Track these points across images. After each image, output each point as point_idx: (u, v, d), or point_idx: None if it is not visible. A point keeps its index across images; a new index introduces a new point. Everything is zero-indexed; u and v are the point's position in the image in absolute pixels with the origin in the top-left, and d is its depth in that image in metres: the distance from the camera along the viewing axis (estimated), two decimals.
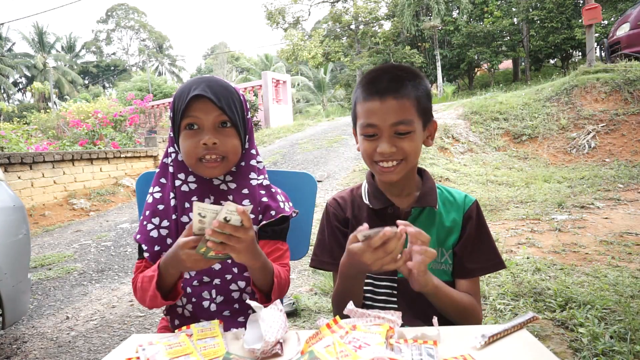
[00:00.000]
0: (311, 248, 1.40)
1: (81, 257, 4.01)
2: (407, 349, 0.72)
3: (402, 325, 0.80)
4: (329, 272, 1.14)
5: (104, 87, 46.69)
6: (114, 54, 51.38)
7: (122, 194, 6.83)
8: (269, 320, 0.80)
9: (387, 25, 21.24)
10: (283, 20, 22.05)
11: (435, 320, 0.81)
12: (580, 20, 13.65)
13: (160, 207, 1.05)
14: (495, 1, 16.78)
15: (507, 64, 19.83)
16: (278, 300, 0.89)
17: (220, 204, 1.02)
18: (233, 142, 1.03)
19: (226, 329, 0.90)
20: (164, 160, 1.10)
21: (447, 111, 8.32)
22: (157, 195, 1.07)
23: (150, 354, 0.76)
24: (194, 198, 1.04)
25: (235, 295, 1.06)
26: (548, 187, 4.93)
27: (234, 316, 1.05)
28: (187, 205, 1.05)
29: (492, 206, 4.29)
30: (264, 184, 1.10)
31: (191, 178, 1.06)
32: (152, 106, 13.38)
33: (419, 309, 1.00)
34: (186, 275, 1.04)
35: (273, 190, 1.11)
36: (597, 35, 12.50)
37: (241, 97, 1.07)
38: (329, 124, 10.96)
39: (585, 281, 2.38)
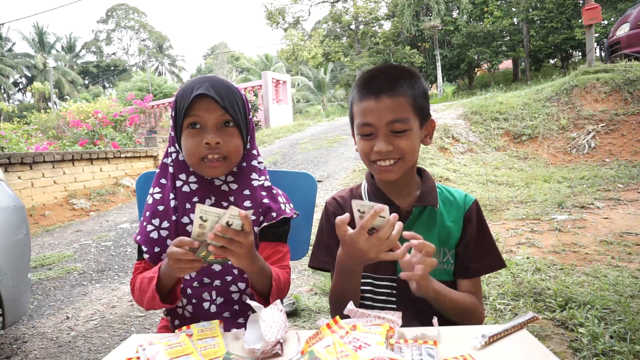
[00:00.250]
0: (311, 248, 1.40)
1: (81, 257, 4.01)
2: (407, 349, 0.72)
3: (402, 326, 0.80)
4: (328, 272, 1.13)
5: (104, 87, 46.70)
6: (114, 54, 51.40)
7: (122, 194, 6.83)
8: (269, 320, 0.80)
9: (387, 25, 21.25)
10: (283, 20, 22.06)
11: (435, 320, 0.81)
12: (580, 20, 13.65)
13: (160, 208, 1.04)
14: (495, 1, 16.78)
15: (507, 64, 19.84)
16: (278, 300, 0.88)
17: (222, 205, 1.03)
18: (235, 142, 1.02)
19: (226, 329, 0.90)
20: (164, 161, 1.09)
21: (447, 111, 8.32)
22: (157, 196, 1.06)
23: (150, 354, 0.76)
24: (195, 199, 1.04)
25: (235, 296, 1.06)
26: (548, 187, 4.93)
27: (234, 317, 1.05)
28: (188, 206, 1.04)
29: (492, 206, 4.29)
30: (265, 185, 1.10)
31: (192, 178, 1.05)
32: (152, 106, 13.38)
33: (418, 309, 1.00)
34: (186, 277, 1.03)
35: (274, 191, 1.11)
36: (597, 35, 12.50)
37: (243, 98, 1.07)
38: (329, 124, 10.96)
39: (585, 281, 2.38)
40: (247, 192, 1.06)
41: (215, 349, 0.79)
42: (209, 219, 0.80)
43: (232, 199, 1.05)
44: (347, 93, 22.61)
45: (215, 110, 0.99)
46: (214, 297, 1.04)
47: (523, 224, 3.67)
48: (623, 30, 7.89)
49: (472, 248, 1.05)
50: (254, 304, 0.83)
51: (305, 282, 2.91)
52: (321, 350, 0.69)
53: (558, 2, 14.60)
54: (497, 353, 0.74)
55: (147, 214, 1.05)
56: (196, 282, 1.04)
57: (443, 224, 1.06)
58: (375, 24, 21.20)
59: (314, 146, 8.09)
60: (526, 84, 12.70)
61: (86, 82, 43.78)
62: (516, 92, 9.03)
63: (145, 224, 1.04)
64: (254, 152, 1.11)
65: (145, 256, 1.03)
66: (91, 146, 8.16)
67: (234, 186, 1.06)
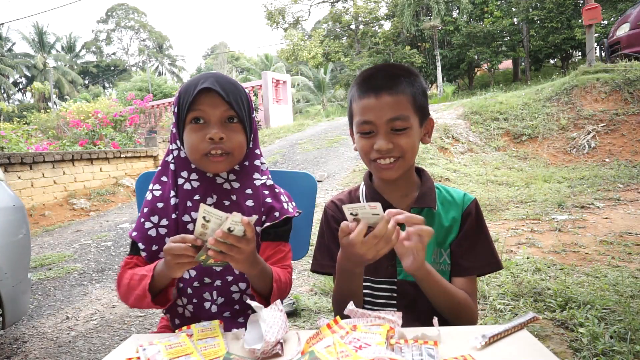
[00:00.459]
0: (311, 248, 1.40)
1: (81, 257, 4.01)
2: (407, 349, 0.72)
3: (402, 326, 0.80)
4: (330, 276, 1.12)
5: (104, 87, 46.70)
6: (114, 54, 51.41)
7: (122, 194, 6.83)
8: (269, 320, 0.80)
9: (387, 25, 21.27)
10: (283, 20, 22.07)
11: (435, 320, 0.81)
12: (580, 20, 13.65)
13: (160, 205, 1.03)
14: (495, 1, 16.79)
15: (507, 64, 19.85)
16: (278, 300, 0.88)
17: (224, 204, 1.03)
18: (239, 138, 1.02)
19: (226, 329, 0.90)
20: (166, 159, 1.07)
21: (447, 111, 8.32)
22: (157, 193, 1.05)
23: (150, 354, 0.76)
24: (197, 196, 1.03)
25: (236, 296, 1.05)
26: (548, 187, 4.93)
27: (235, 317, 1.04)
28: (189, 204, 1.03)
29: (492, 206, 4.29)
30: (268, 183, 1.09)
31: (194, 176, 1.04)
32: (152, 106, 13.37)
33: (418, 311, 1.00)
34: (186, 276, 1.03)
35: (277, 190, 1.10)
36: (597, 35, 12.50)
37: (248, 95, 1.06)
38: (329, 124, 10.96)
39: (585, 281, 2.38)
40: (249, 191, 1.06)
41: (215, 349, 0.79)
42: (211, 220, 0.80)
43: (234, 197, 1.04)
44: (347, 93, 22.59)
45: (219, 105, 0.98)
46: (214, 297, 1.04)
47: (523, 224, 3.67)
48: (623, 30, 7.89)
49: (466, 245, 1.04)
50: (254, 304, 0.83)
51: (305, 282, 2.91)
52: (321, 351, 0.69)
53: (558, 2, 14.61)
54: (497, 353, 0.74)
55: (146, 210, 1.03)
56: (197, 282, 1.03)
57: (441, 226, 1.05)
58: (375, 24, 21.22)
59: (314, 146, 8.09)
60: (526, 84, 12.71)
61: (86, 82, 43.79)
62: (516, 92, 9.03)
63: (143, 220, 1.03)
64: (257, 151, 1.10)
65: (143, 254, 1.01)
66: (91, 146, 8.16)
67: (236, 185, 1.05)
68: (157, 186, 1.06)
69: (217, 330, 0.85)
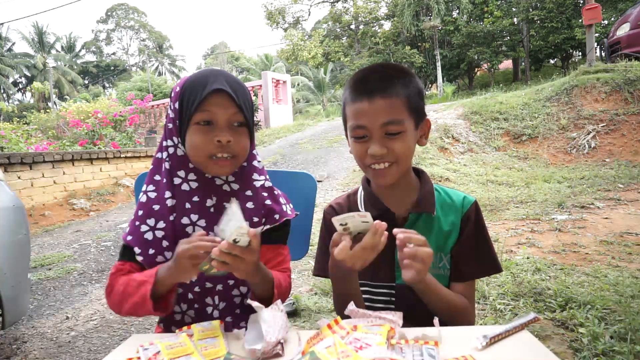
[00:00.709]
0: (311, 248, 1.40)
1: (81, 257, 4.01)
2: (408, 350, 0.72)
3: (402, 327, 0.80)
4: None
5: (104, 87, 46.70)
6: (114, 54, 51.40)
7: (122, 194, 6.83)
8: (269, 320, 0.80)
9: (387, 25, 21.27)
10: (283, 20, 22.08)
11: (436, 320, 0.81)
12: (580, 20, 13.65)
13: (156, 207, 0.99)
14: (495, 1, 16.80)
15: (507, 64, 19.86)
16: (279, 301, 0.88)
17: (223, 207, 1.01)
18: (245, 141, 1.00)
19: (227, 331, 0.89)
20: (157, 156, 1.03)
21: (447, 111, 8.32)
22: (152, 195, 1.00)
23: (150, 354, 0.76)
24: (196, 198, 1.00)
25: (237, 300, 1.05)
26: (548, 187, 4.93)
27: (236, 322, 1.03)
28: (188, 206, 1.00)
29: (492, 206, 4.29)
30: (266, 185, 1.08)
31: (192, 176, 1.01)
32: (152, 106, 13.39)
33: (418, 316, 0.98)
34: (187, 282, 1.00)
35: (275, 192, 1.09)
36: (597, 35, 12.50)
37: (251, 96, 1.05)
38: (329, 124, 10.95)
39: (586, 281, 2.38)
40: (249, 192, 1.04)
41: (216, 349, 0.78)
42: (232, 219, 0.79)
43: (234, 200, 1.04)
44: None
45: (229, 108, 0.96)
46: (216, 302, 1.02)
47: (523, 224, 3.67)
48: (623, 30, 7.89)
49: (467, 251, 1.03)
50: (254, 304, 0.82)
51: (305, 282, 2.91)
52: (322, 351, 0.69)
53: (558, 2, 14.61)
54: (498, 354, 0.74)
55: (141, 213, 0.99)
56: (197, 287, 1.01)
57: (440, 230, 1.04)
58: (375, 24, 21.23)
59: (314, 146, 8.09)
60: (526, 84, 12.71)
61: (86, 82, 43.79)
62: (516, 92, 9.03)
63: (138, 223, 0.98)
64: (254, 151, 1.09)
65: (139, 258, 0.97)
66: (91, 146, 8.16)
67: (235, 186, 1.04)
68: (151, 187, 1.01)
69: (218, 330, 0.85)
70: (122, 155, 7.27)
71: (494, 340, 0.77)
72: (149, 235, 0.97)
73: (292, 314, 2.40)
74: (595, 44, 10.35)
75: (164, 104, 13.57)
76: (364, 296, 1.04)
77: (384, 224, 0.80)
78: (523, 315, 0.98)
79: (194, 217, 1.00)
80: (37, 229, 5.30)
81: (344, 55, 20.32)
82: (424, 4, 17.02)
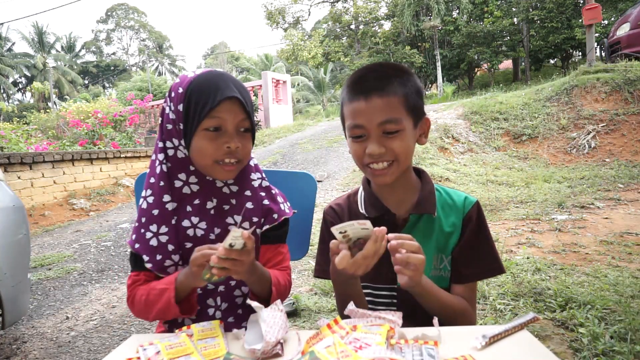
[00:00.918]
0: (311, 248, 1.40)
1: (81, 257, 4.01)
2: (407, 350, 0.72)
3: (402, 326, 0.80)
4: None
5: (104, 87, 46.70)
6: (113, 54, 51.40)
7: (122, 194, 6.83)
8: (269, 320, 0.80)
9: (387, 25, 21.27)
10: (283, 20, 22.08)
11: (435, 320, 0.81)
12: (580, 20, 13.66)
13: (155, 212, 0.98)
14: (495, 1, 16.80)
15: (507, 64, 19.86)
16: (278, 300, 0.88)
17: (223, 208, 1.03)
18: (249, 145, 1.02)
19: (228, 331, 0.89)
20: (153, 158, 1.02)
21: (447, 111, 8.32)
22: (151, 200, 0.99)
23: (150, 354, 0.76)
24: (197, 201, 1.01)
25: (239, 300, 1.05)
26: (548, 187, 4.93)
27: (238, 322, 1.04)
28: (189, 208, 1.00)
29: (492, 206, 4.29)
30: (264, 185, 1.08)
31: (193, 179, 1.01)
32: (152, 106, 13.39)
33: (419, 317, 0.98)
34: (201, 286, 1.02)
35: (273, 192, 1.10)
36: (597, 35, 12.51)
37: (251, 96, 1.06)
38: (329, 124, 10.95)
39: (586, 281, 2.38)
40: (248, 192, 1.05)
41: (215, 349, 0.79)
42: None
43: (233, 201, 1.04)
44: None
45: (238, 114, 0.96)
46: (218, 303, 1.03)
47: (523, 224, 3.67)
48: (623, 30, 7.89)
49: (467, 253, 1.02)
50: (254, 304, 0.83)
51: (305, 282, 2.91)
52: (322, 351, 0.69)
53: (558, 2, 14.61)
54: (497, 353, 0.74)
55: (144, 220, 0.98)
56: (199, 289, 1.02)
57: (441, 231, 1.03)
58: (375, 24, 21.22)
59: (314, 146, 8.09)
60: (526, 84, 12.71)
61: (86, 82, 43.80)
62: (516, 92, 9.03)
63: (143, 231, 0.98)
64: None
65: (148, 265, 0.97)
66: (91, 146, 8.16)
67: (234, 188, 1.05)
68: (149, 191, 1.00)
69: (218, 330, 0.85)
70: (122, 155, 7.27)
71: (493, 340, 0.77)
72: (154, 242, 0.98)
73: (292, 314, 2.40)
74: (595, 44, 10.35)
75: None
76: (366, 298, 1.04)
77: (384, 229, 0.80)
78: (522, 315, 0.98)
79: (195, 219, 1.00)
80: (37, 229, 5.30)
81: (344, 55, 20.32)
82: (424, 4, 17.02)
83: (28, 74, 39.31)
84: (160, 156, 1.00)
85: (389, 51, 18.19)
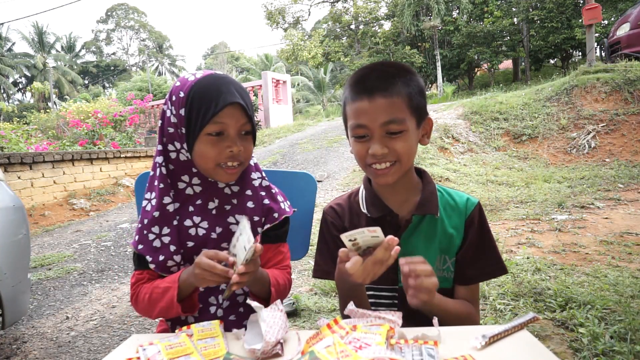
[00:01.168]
0: (311, 248, 1.40)
1: (81, 257, 4.01)
2: (407, 349, 0.72)
3: (402, 326, 0.80)
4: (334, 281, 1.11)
5: (104, 87, 46.70)
6: (113, 54, 51.40)
7: (122, 194, 6.83)
8: (269, 320, 0.80)
9: (387, 25, 21.27)
10: (283, 20, 22.08)
11: (435, 320, 0.81)
12: (580, 20, 13.65)
13: (156, 213, 1.00)
14: (495, 1, 16.79)
15: (507, 64, 19.86)
16: (278, 300, 0.89)
17: (225, 209, 1.04)
18: (251, 148, 1.03)
19: (228, 330, 0.90)
20: (157, 160, 1.02)
21: (447, 111, 8.32)
22: (154, 202, 1.01)
23: (150, 354, 0.76)
24: (199, 201, 1.03)
25: (240, 299, 1.06)
26: (548, 187, 4.93)
27: (239, 320, 1.05)
28: (191, 209, 1.02)
29: (492, 206, 4.29)
30: (264, 184, 1.09)
31: (196, 180, 1.02)
32: (152, 106, 13.39)
33: (421, 318, 0.98)
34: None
35: (273, 191, 1.10)
36: (597, 35, 12.51)
37: (251, 97, 1.07)
38: (329, 124, 10.95)
39: (586, 281, 2.38)
40: (249, 192, 1.06)
41: (215, 349, 0.79)
42: (242, 233, 0.86)
43: (235, 201, 1.05)
44: None
45: (240, 119, 0.97)
46: (220, 300, 1.04)
47: (523, 224, 3.67)
48: (623, 30, 7.89)
49: (471, 255, 1.02)
50: (254, 304, 0.83)
51: (305, 282, 2.91)
52: (321, 351, 0.69)
53: (558, 2, 14.60)
54: (497, 353, 0.74)
55: (146, 221, 1.00)
56: (202, 287, 1.02)
57: (444, 232, 1.02)
58: (375, 24, 21.22)
59: (314, 146, 8.09)
60: (526, 84, 12.71)
61: (86, 82, 43.80)
62: (516, 92, 9.03)
63: (145, 232, 1.00)
64: None
65: (151, 266, 0.99)
66: (91, 146, 8.16)
67: (235, 188, 1.06)
68: (153, 194, 1.02)
69: (217, 330, 0.85)
70: (122, 155, 7.27)
71: (493, 339, 0.77)
72: (157, 243, 1.00)
73: (292, 314, 2.40)
74: (595, 44, 10.36)
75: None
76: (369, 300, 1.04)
77: (396, 239, 0.79)
78: (522, 315, 0.98)
79: (197, 219, 1.02)
80: (37, 229, 5.30)
81: (344, 55, 20.32)
82: (424, 4, 17.02)
83: (28, 74, 39.31)
84: (160, 159, 1.01)
85: (389, 51, 18.19)
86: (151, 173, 1.04)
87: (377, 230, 0.78)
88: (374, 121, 0.93)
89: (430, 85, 19.11)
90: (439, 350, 0.72)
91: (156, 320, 2.58)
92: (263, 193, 1.08)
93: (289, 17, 22.21)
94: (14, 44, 44.85)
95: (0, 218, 1.96)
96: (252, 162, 1.09)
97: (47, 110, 16.01)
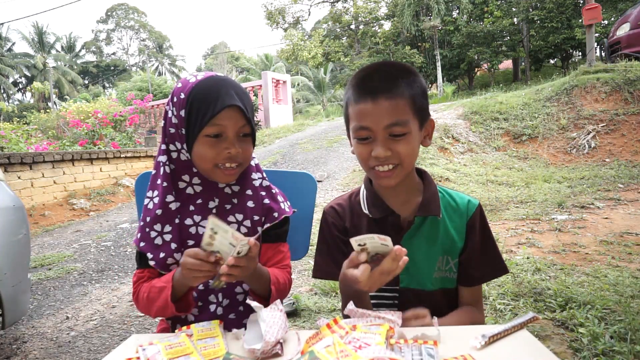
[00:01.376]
0: (311, 248, 1.40)
1: (81, 257, 4.01)
2: (407, 349, 0.72)
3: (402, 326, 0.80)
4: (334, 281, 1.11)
5: (104, 87, 46.69)
6: (114, 54, 51.40)
7: (122, 194, 6.83)
8: (269, 320, 0.80)
9: (387, 25, 21.27)
10: (283, 20, 22.08)
11: (435, 320, 0.81)
12: (580, 20, 13.65)
13: (159, 212, 1.01)
14: (495, 1, 16.79)
15: (507, 64, 19.85)
16: (278, 300, 0.89)
17: (225, 208, 1.04)
18: (250, 149, 1.03)
19: (229, 330, 0.90)
20: (159, 160, 1.04)
21: (447, 111, 8.32)
22: (156, 200, 1.02)
23: (150, 354, 0.76)
24: (199, 200, 1.04)
25: (241, 297, 1.07)
26: (548, 187, 4.93)
27: (239, 319, 1.05)
28: (191, 208, 1.03)
29: (492, 206, 4.29)
30: (264, 184, 1.10)
31: (196, 180, 1.04)
32: (152, 106, 13.39)
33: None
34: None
35: (273, 191, 1.11)
36: (597, 35, 12.51)
37: (251, 98, 1.07)
38: (329, 124, 10.95)
39: (585, 281, 2.38)
40: (249, 192, 1.07)
41: (215, 349, 0.79)
42: (218, 232, 0.83)
43: (235, 200, 1.05)
44: None
45: (239, 121, 0.97)
46: (220, 299, 1.05)
47: (523, 224, 3.67)
48: (623, 30, 7.88)
49: (473, 257, 1.03)
50: (254, 304, 0.83)
51: (305, 282, 2.91)
52: (321, 350, 0.69)
53: (558, 2, 14.60)
54: (497, 353, 0.74)
55: (149, 219, 1.01)
56: (201, 286, 1.03)
57: (446, 233, 1.02)
58: (375, 24, 21.22)
59: (314, 146, 8.09)
60: (526, 84, 12.70)
61: (86, 82, 43.79)
62: (516, 92, 9.03)
63: (147, 230, 1.01)
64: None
65: (152, 263, 1.00)
66: (91, 146, 8.16)
67: (235, 188, 1.07)
68: (155, 192, 1.03)
69: (217, 330, 0.85)
70: (122, 155, 7.27)
71: (492, 339, 0.77)
72: (158, 240, 1.01)
73: (292, 314, 2.40)
74: (595, 44, 10.36)
75: (164, 104, 13.56)
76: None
77: (404, 250, 0.78)
78: (522, 315, 0.98)
79: (197, 217, 1.03)
80: (37, 229, 5.30)
81: (344, 55, 20.32)
82: (424, 4, 17.02)
83: (28, 74, 39.29)
84: (163, 158, 1.03)
85: (389, 51, 18.19)
86: (153, 172, 1.05)
87: (387, 239, 0.77)
88: (377, 123, 0.92)
89: (430, 85, 19.11)
90: (439, 350, 0.72)
91: (156, 320, 2.58)
92: (263, 193, 1.08)
93: (289, 17, 22.22)
94: (14, 44, 44.90)
95: (0, 218, 1.96)
96: (253, 163, 1.10)
97: (47, 110, 16.01)
